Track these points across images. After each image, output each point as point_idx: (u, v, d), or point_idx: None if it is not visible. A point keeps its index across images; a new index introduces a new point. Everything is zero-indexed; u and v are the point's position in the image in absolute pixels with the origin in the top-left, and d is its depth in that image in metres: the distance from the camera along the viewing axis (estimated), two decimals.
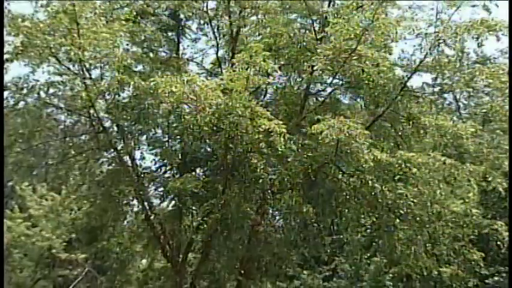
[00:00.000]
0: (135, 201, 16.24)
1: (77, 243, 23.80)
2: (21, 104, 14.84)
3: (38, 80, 14.47)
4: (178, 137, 15.67)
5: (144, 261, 25.41)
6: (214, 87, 12.20)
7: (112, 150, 15.27)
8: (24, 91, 14.51)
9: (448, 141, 14.59)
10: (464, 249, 14.39)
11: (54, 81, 14.54)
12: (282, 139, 11.78)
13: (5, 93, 14.44)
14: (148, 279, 27.04)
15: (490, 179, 14.54)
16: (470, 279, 16.94)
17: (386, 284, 24.47)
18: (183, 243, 15.42)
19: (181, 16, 16.43)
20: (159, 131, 15.94)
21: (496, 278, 21.16)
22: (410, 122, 14.34)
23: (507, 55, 17.65)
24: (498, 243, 15.21)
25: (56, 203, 23.18)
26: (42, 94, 14.76)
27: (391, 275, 23.25)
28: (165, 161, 15.82)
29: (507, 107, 13.71)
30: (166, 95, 11.90)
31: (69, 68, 14.15)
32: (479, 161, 15.09)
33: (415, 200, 13.13)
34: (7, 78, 14.28)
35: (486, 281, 21.28)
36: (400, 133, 14.68)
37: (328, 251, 17.39)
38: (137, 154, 15.92)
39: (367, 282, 25.32)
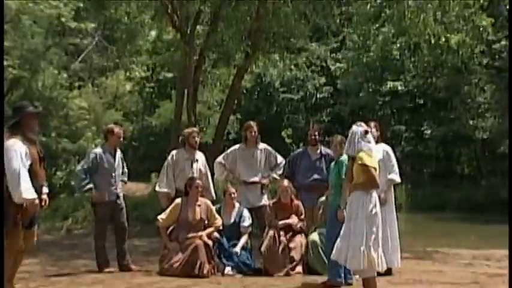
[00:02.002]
0: None
1: (85, 13, 23.68)
2: None
3: None
4: None
5: (153, 33, 25.58)
6: None
7: None
8: None
9: None
10: (474, 15, 14.26)
11: None
12: None
13: None
14: (158, 50, 27.43)
15: None
16: (478, 45, 17.12)
17: (394, 53, 24.79)
18: (191, 14, 15.32)
19: None
20: None
21: (503, 43, 21.44)
22: None
23: None
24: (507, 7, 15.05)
25: None
26: None
27: (398, 45, 23.46)
28: None
29: None
30: None
31: None
32: None
33: None
34: None
35: (493, 46, 21.55)
36: None
37: (337, 21, 17.26)
38: None
39: (375, 52, 25.62)
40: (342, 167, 7.32)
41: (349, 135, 6.59)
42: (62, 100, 24.60)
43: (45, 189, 6.64)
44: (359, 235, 6.23)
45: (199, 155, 9.15)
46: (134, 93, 34.14)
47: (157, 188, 9.09)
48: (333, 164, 7.81)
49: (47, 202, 6.71)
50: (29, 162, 6.19)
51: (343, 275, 7.26)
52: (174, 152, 9.15)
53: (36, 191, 6.26)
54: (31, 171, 6.22)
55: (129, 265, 8.55)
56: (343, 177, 7.18)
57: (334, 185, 7.49)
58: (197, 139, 9.08)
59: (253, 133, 9.24)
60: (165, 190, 8.92)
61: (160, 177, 9.04)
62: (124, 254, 8.61)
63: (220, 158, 9.48)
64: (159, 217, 8.46)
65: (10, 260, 6.21)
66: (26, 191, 6.03)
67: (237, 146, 9.52)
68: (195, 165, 8.95)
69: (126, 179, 8.93)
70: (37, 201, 6.17)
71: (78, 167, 8.59)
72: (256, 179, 9.19)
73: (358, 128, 6.59)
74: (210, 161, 9.51)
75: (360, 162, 6.38)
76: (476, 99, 25.62)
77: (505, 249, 9.82)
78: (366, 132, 6.57)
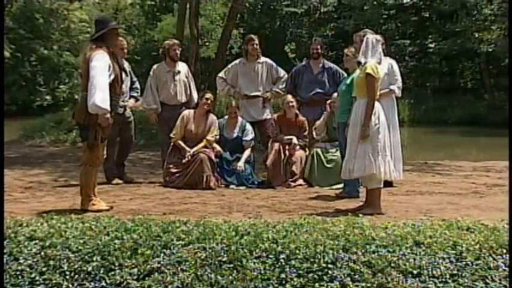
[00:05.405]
0: None
1: None
2: None
3: None
4: None
5: None
6: None
7: None
8: None
9: None
10: None
11: None
12: None
13: None
14: None
15: None
16: None
17: None
18: None
19: None
20: None
21: None
22: None
23: None
24: None
25: None
26: None
27: None
28: None
29: None
30: None
31: None
32: None
33: None
34: None
35: None
36: None
37: None
38: None
39: None
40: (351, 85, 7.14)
41: (364, 43, 6.45)
42: (63, 12, 24.35)
43: (120, 103, 6.62)
44: (366, 144, 6.20)
45: (182, 67, 9.13)
46: (135, 6, 33.65)
47: (144, 105, 9.06)
48: (345, 78, 7.62)
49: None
50: (112, 77, 6.07)
51: (359, 188, 7.26)
52: (154, 67, 9.11)
53: (115, 107, 6.31)
54: (112, 86, 6.10)
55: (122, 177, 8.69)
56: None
57: (342, 103, 7.39)
58: (178, 52, 9.01)
59: (254, 46, 9.13)
60: (152, 106, 8.94)
61: (145, 94, 8.98)
62: (123, 166, 8.78)
63: (221, 73, 9.41)
64: (171, 134, 8.47)
65: (91, 171, 6.33)
66: (101, 100, 5.81)
67: (238, 61, 9.43)
68: (177, 76, 8.93)
69: (136, 94, 8.89)
70: (109, 115, 5.96)
71: None
72: (257, 93, 9.13)
73: (372, 36, 6.46)
74: (212, 76, 9.46)
75: (366, 71, 6.30)
76: (482, 11, 25.24)
77: (505, 161, 9.94)
78: (378, 40, 6.47)
